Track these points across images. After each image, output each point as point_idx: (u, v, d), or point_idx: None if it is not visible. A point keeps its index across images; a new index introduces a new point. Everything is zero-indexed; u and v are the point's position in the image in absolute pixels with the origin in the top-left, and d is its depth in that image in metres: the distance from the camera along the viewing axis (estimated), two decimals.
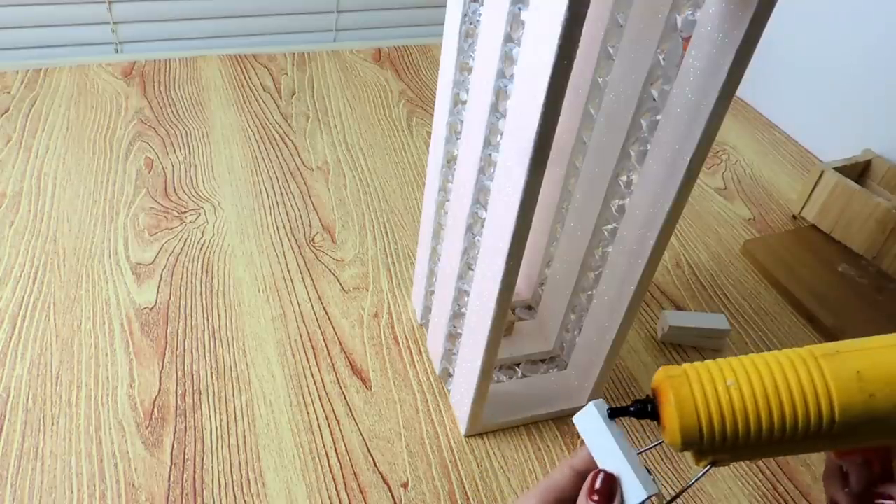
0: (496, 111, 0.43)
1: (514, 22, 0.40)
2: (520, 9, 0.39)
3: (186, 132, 0.85)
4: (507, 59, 0.41)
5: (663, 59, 0.41)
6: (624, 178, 0.47)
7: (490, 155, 0.45)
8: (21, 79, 0.92)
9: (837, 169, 0.78)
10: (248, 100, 0.93)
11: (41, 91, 0.90)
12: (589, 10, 0.46)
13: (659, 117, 0.43)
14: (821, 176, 0.78)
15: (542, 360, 0.61)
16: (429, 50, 1.09)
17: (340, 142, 0.87)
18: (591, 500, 0.37)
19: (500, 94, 0.43)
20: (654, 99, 0.43)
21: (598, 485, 0.38)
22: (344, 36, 1.14)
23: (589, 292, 0.54)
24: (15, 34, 0.99)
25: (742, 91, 1.07)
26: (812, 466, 0.56)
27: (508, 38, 0.40)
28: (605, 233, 0.50)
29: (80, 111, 0.87)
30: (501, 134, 0.42)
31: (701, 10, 0.39)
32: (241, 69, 0.99)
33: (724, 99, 0.38)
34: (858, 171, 0.82)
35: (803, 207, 0.81)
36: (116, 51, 1.04)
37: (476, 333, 0.49)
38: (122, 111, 0.87)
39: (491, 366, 0.50)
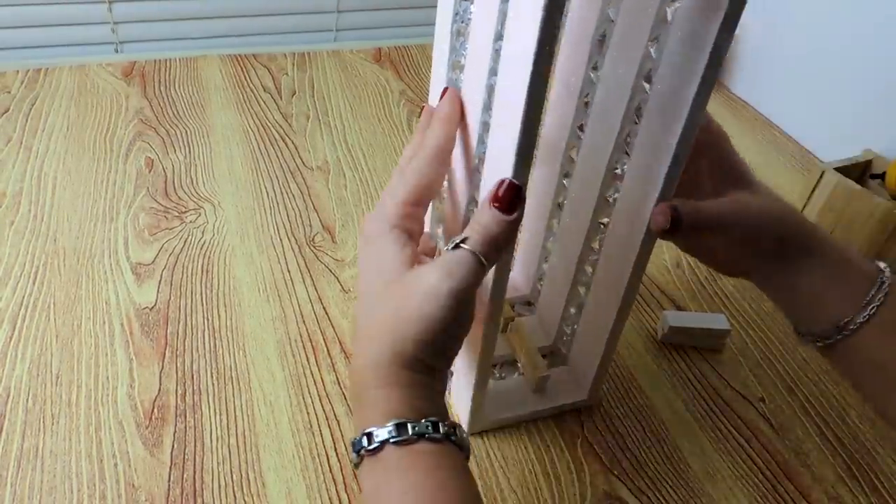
0: (489, 109, 0.43)
1: (504, 19, 0.40)
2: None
3: (186, 132, 0.85)
4: (498, 56, 0.41)
5: (654, 52, 0.42)
6: (618, 171, 0.47)
7: (484, 153, 0.45)
8: (21, 79, 0.92)
9: (838, 169, 0.78)
10: (249, 100, 0.93)
11: (41, 91, 0.90)
12: (581, 5, 0.46)
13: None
14: (821, 176, 0.78)
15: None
16: (429, 50, 1.09)
17: (341, 142, 0.87)
18: (493, 206, 0.38)
19: (493, 91, 0.43)
20: (647, 92, 0.43)
21: (501, 192, 0.38)
22: (344, 36, 1.14)
23: (587, 286, 0.54)
24: (15, 34, 0.99)
25: (741, 91, 1.07)
26: (812, 467, 0.56)
27: (499, 36, 0.40)
28: (601, 226, 0.50)
29: (80, 111, 0.87)
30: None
31: None
32: (242, 69, 0.99)
33: (706, 84, 0.38)
34: (859, 171, 0.82)
35: (804, 207, 0.81)
36: (116, 51, 1.04)
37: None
38: (122, 111, 0.87)
39: (488, 361, 0.50)
